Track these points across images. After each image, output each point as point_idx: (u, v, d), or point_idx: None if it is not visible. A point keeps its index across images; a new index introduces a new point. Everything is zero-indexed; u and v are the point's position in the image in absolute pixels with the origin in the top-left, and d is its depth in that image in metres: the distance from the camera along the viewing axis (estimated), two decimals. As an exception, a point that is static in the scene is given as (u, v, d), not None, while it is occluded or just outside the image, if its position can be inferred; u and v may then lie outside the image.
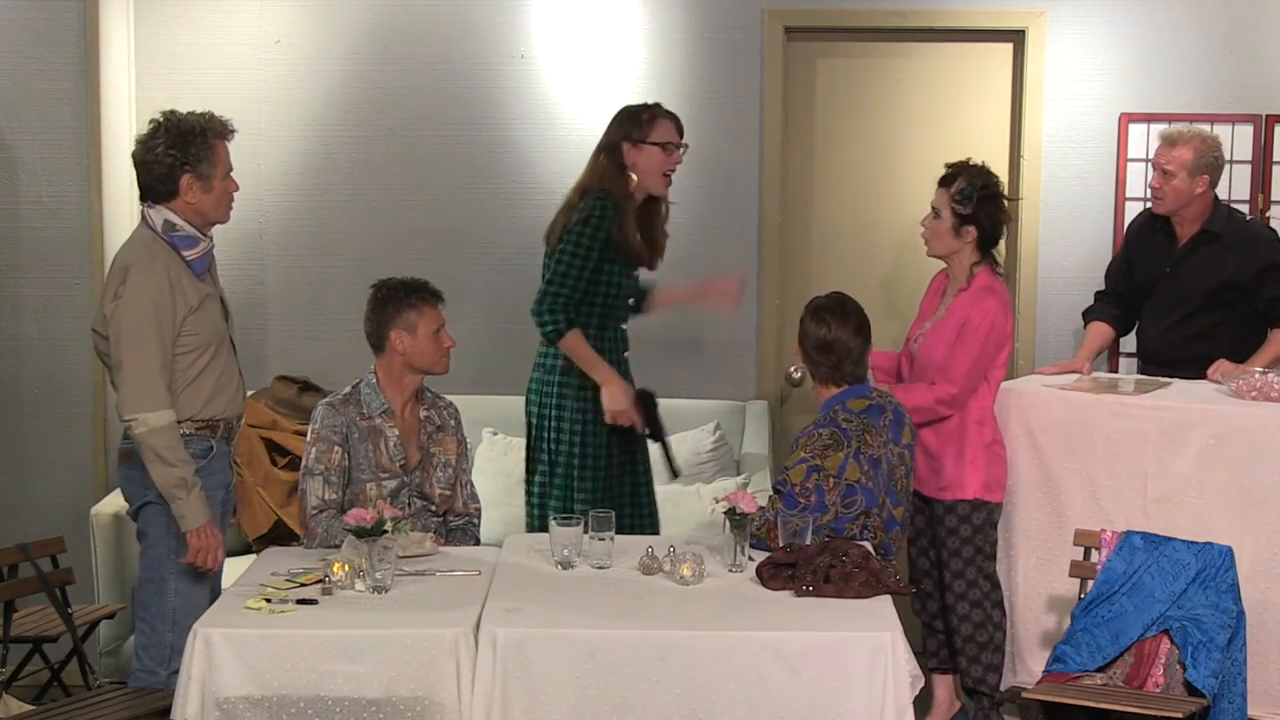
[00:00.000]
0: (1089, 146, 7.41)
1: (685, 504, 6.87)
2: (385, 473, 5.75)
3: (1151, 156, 6.67)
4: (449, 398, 6.06)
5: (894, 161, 7.62)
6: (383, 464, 5.75)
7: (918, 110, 7.60)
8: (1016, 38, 7.47)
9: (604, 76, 7.44)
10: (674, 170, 6.23)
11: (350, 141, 7.51)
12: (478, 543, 5.97)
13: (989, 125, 7.58)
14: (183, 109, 5.63)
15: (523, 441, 7.22)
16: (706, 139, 7.42)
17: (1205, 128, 6.76)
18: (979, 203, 6.19)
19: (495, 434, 7.31)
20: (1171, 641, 5.59)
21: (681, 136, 6.24)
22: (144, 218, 5.56)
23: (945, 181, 6.27)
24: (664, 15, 7.44)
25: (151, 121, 5.57)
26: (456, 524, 5.95)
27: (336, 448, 5.75)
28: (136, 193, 5.55)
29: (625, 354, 6.28)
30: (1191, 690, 5.46)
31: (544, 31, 7.46)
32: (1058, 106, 7.42)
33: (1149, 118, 7.12)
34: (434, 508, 5.85)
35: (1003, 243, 6.38)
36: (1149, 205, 6.80)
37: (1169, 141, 6.58)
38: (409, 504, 5.76)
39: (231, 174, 5.64)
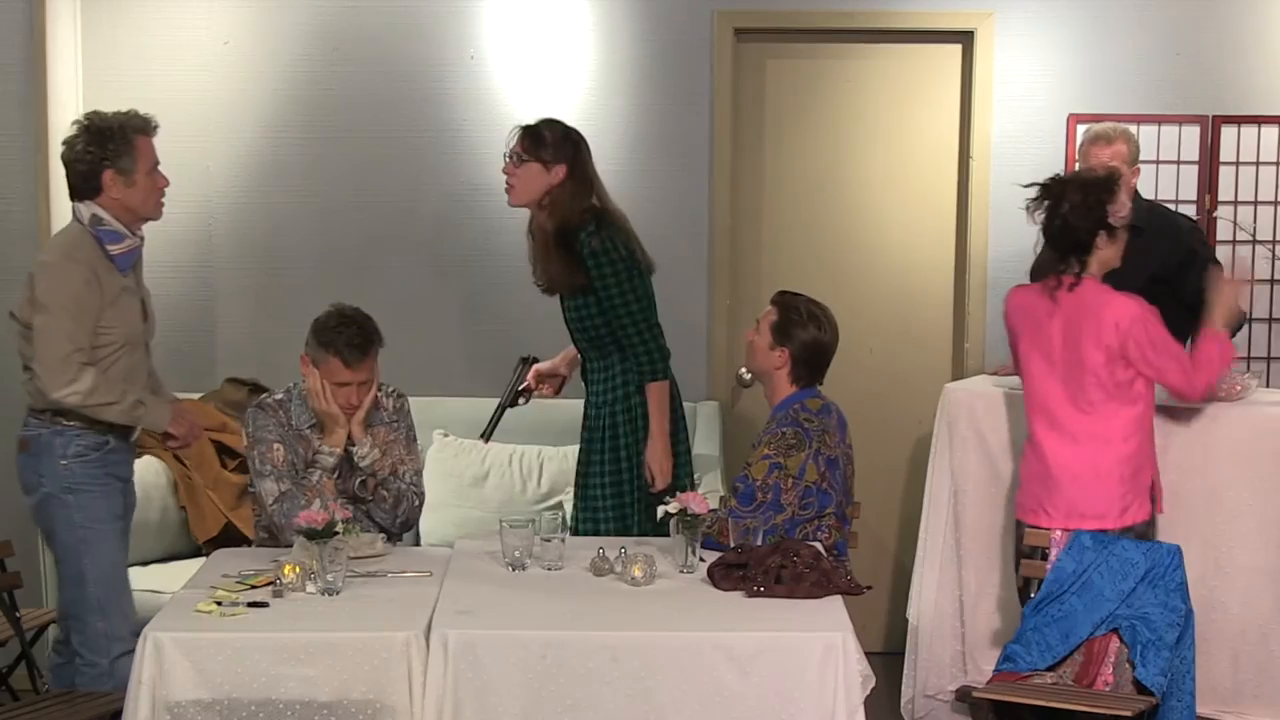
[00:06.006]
0: (1038, 147, 7.43)
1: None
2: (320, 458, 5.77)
3: (1086, 161, 6.64)
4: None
5: (844, 162, 7.64)
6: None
7: (868, 111, 7.62)
8: (965, 39, 7.49)
9: (554, 78, 7.43)
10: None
11: (300, 143, 7.49)
12: (408, 506, 5.86)
13: (939, 126, 7.60)
14: (130, 110, 5.70)
15: (474, 444, 7.21)
16: (656, 139, 7.44)
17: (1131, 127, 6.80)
18: None
19: (446, 435, 7.29)
20: (1121, 640, 5.61)
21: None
22: (74, 214, 5.71)
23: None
24: (613, 17, 7.43)
25: (75, 123, 5.73)
26: (394, 485, 5.86)
27: (275, 445, 5.73)
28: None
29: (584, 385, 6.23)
30: (1141, 689, 5.49)
31: (494, 33, 7.45)
32: (1006, 107, 7.44)
33: (1097, 118, 7.14)
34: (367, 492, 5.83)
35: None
36: None
37: (1105, 139, 6.59)
38: (350, 478, 5.76)
39: (158, 169, 5.76)
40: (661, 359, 6.01)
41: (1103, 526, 5.72)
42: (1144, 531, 5.80)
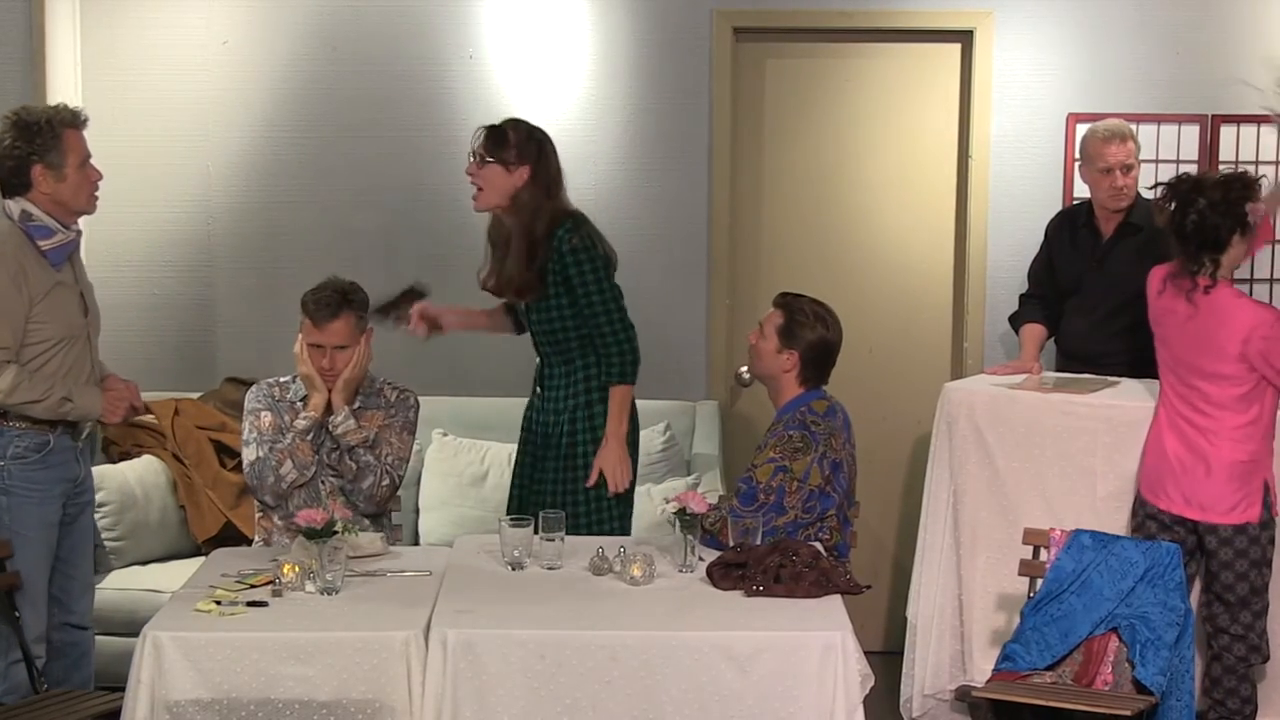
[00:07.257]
0: (1037, 146, 7.43)
1: (635, 505, 6.86)
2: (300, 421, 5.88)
3: (1101, 160, 6.63)
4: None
5: (843, 162, 7.63)
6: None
7: (867, 110, 7.61)
8: (965, 38, 7.49)
9: (552, 77, 7.43)
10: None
11: (299, 143, 7.48)
12: (374, 481, 5.86)
13: (938, 125, 7.60)
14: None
15: (473, 443, 7.20)
16: (654, 139, 7.43)
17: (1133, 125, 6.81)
18: None
19: (445, 435, 7.29)
20: (1120, 639, 5.61)
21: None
22: (4, 210, 5.67)
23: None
24: (612, 16, 7.43)
25: (3, 118, 5.69)
26: (362, 458, 5.89)
27: (264, 413, 5.89)
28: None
29: (538, 389, 6.09)
30: (1140, 688, 5.48)
31: (492, 32, 7.44)
32: (1006, 107, 7.44)
33: (1096, 118, 7.13)
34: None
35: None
36: (1073, 206, 7.03)
37: (1120, 137, 6.59)
38: (321, 446, 5.86)
39: (90, 163, 5.73)
40: (633, 362, 5.88)
41: (1209, 520, 5.79)
42: (1256, 535, 5.81)
